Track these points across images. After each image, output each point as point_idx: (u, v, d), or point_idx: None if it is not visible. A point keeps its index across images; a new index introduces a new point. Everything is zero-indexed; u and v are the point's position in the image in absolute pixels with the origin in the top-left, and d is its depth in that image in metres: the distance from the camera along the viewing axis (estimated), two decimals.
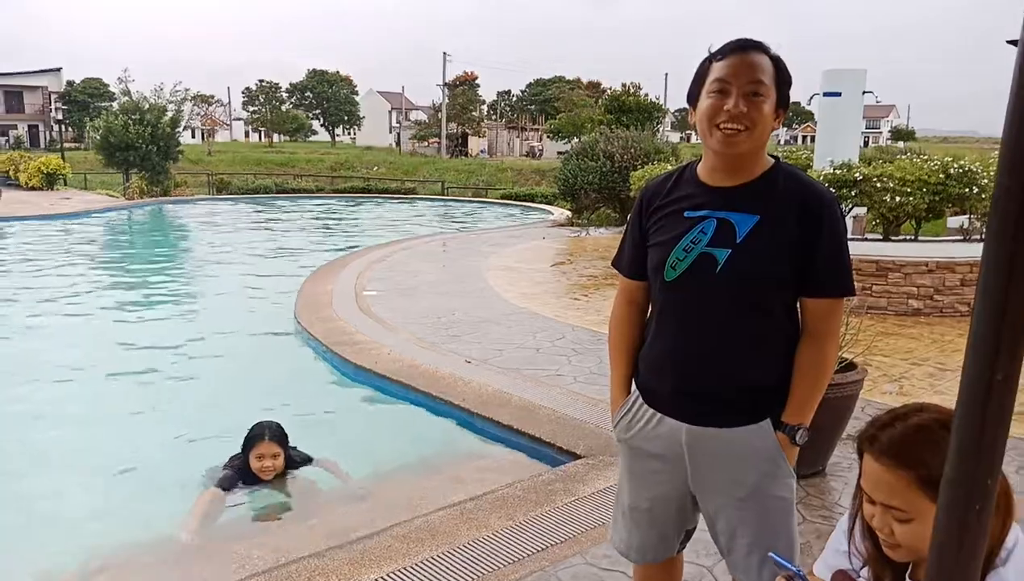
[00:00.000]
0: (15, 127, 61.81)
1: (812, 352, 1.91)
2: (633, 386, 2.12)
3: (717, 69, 1.83)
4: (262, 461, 4.25)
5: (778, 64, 1.85)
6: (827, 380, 1.95)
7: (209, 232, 18.71)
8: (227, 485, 4.22)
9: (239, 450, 4.37)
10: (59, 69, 67.63)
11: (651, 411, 2.03)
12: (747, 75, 1.80)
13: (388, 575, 3.06)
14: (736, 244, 1.85)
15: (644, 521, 2.13)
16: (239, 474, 4.28)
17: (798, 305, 1.95)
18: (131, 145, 25.44)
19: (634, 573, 2.34)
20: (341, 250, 14.52)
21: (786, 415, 1.91)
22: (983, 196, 8.27)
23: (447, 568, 3.12)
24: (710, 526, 2.06)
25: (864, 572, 1.54)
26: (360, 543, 3.33)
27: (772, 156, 1.95)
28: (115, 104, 30.31)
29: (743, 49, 1.83)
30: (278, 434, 4.34)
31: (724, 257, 1.85)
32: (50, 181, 26.37)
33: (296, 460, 4.43)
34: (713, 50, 1.88)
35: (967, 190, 8.25)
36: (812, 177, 1.97)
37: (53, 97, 59.04)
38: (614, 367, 2.17)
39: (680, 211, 1.94)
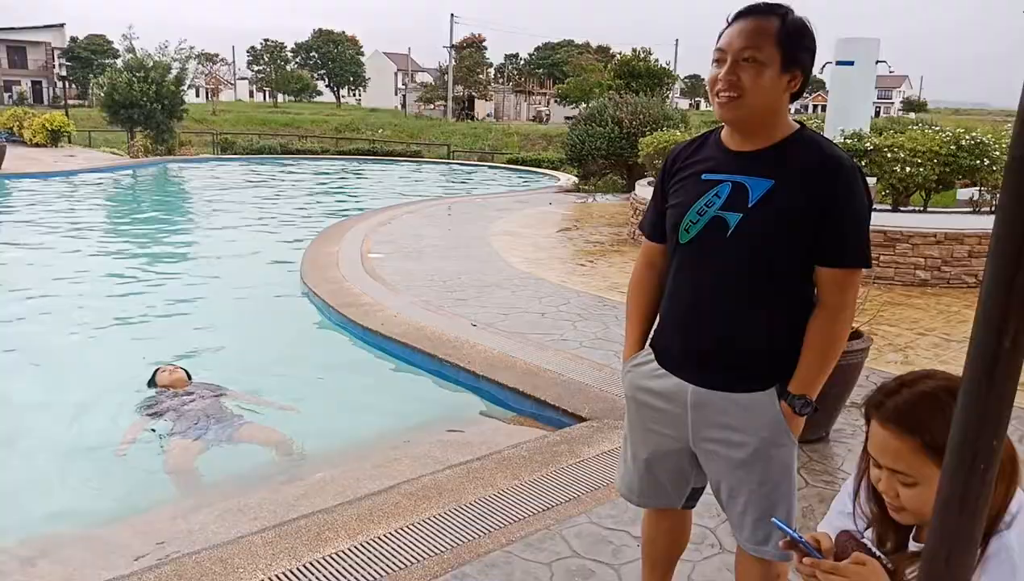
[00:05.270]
0: (18, 83, 61.39)
1: (822, 324, 1.89)
2: (648, 343, 2.16)
3: (721, 38, 1.86)
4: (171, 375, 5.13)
5: (786, 26, 1.81)
6: (836, 354, 1.92)
7: (214, 192, 18.64)
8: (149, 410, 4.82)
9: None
10: (62, 25, 66.95)
11: (660, 368, 2.07)
12: (741, 42, 1.81)
13: (396, 531, 3.12)
14: (748, 208, 1.85)
15: (644, 470, 2.18)
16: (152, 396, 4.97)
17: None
18: (135, 103, 25.24)
19: (642, 528, 2.39)
20: (346, 212, 14.49)
21: (791, 385, 1.91)
22: (994, 168, 8.20)
23: (454, 525, 3.17)
24: (712, 485, 2.10)
25: (868, 533, 1.57)
26: (368, 499, 3.38)
27: (798, 122, 1.93)
28: (119, 61, 29.94)
29: (746, 15, 1.84)
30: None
31: (735, 221, 1.86)
32: (54, 138, 26.14)
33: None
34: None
35: (978, 162, 8.17)
36: (836, 145, 1.93)
37: (56, 53, 58.46)
38: (630, 326, 2.20)
39: (698, 174, 1.96)
